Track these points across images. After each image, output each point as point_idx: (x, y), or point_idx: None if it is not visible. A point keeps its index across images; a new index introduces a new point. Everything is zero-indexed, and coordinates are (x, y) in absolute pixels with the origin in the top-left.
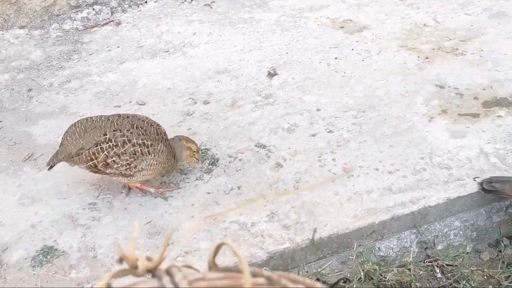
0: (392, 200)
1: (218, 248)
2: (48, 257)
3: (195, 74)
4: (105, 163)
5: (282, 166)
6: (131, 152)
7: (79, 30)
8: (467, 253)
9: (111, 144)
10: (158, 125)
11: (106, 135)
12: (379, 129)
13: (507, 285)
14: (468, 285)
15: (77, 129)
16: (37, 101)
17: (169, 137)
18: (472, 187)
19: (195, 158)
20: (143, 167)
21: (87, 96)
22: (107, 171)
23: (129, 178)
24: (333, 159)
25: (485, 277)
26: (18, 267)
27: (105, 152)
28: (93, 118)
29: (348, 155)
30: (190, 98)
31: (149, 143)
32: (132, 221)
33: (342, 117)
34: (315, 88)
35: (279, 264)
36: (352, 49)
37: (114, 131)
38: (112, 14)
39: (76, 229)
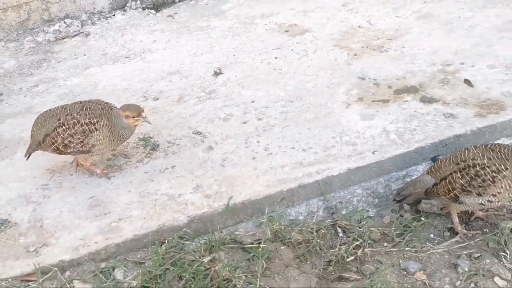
0: (301, 172)
1: None
2: (2, 227)
3: (150, 76)
4: (63, 144)
5: (213, 148)
6: (80, 131)
7: (51, 42)
8: (371, 217)
9: (64, 127)
10: (105, 103)
11: (60, 120)
12: (302, 116)
13: (399, 240)
14: (365, 242)
15: (40, 120)
16: (6, 103)
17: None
18: (370, 159)
19: (140, 120)
20: (93, 142)
21: (52, 97)
22: (68, 151)
23: (89, 154)
24: (258, 142)
25: (381, 235)
26: None
27: (61, 135)
28: (52, 108)
29: (270, 137)
30: (142, 96)
31: (94, 120)
32: (78, 197)
33: (272, 107)
34: (253, 84)
35: (200, 227)
36: (292, 50)
37: (66, 115)
38: (82, 27)
39: (29, 205)
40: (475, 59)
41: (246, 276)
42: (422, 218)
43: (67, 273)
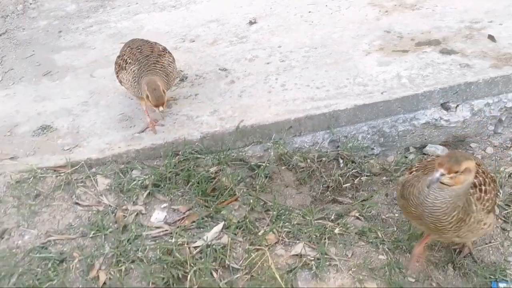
0: (310, 105)
1: None
2: (45, 131)
3: (191, 23)
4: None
5: (235, 82)
6: (117, 62)
7: None
8: (375, 155)
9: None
10: (156, 56)
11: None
12: (322, 60)
13: (397, 175)
14: (364, 172)
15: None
16: (64, 39)
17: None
18: (378, 98)
19: (149, 102)
20: (120, 78)
21: (102, 36)
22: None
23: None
24: (276, 79)
25: (380, 169)
26: (23, 136)
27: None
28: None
29: (289, 76)
30: (181, 38)
31: (129, 61)
32: (110, 112)
33: (296, 52)
34: (283, 32)
35: (211, 145)
36: (326, 5)
37: (128, 46)
38: None
39: (69, 116)
40: (504, 19)
41: (247, 189)
42: (423, 160)
43: (93, 169)
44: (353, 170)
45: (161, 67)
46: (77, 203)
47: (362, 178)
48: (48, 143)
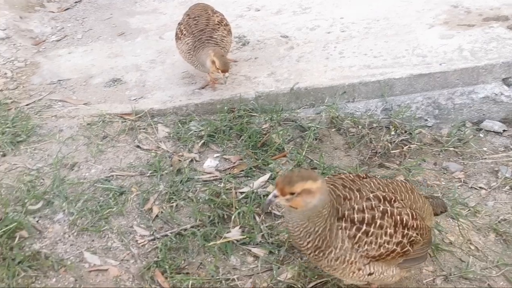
0: (366, 72)
1: None
2: (115, 83)
3: None
4: None
5: (294, 48)
6: (176, 31)
7: None
8: (428, 126)
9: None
10: (210, 30)
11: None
12: (383, 32)
13: (447, 147)
14: (414, 140)
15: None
16: (139, 5)
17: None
18: (435, 69)
19: (219, 75)
20: (177, 46)
21: (174, 3)
22: None
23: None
24: (335, 47)
25: (432, 140)
26: (96, 86)
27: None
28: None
29: (347, 45)
30: (246, 7)
31: (184, 32)
32: (175, 70)
33: (358, 23)
34: (346, 5)
35: (265, 104)
36: None
37: (187, 15)
38: None
39: (137, 72)
40: None
41: (296, 147)
42: (481, 134)
43: (155, 118)
44: (402, 137)
45: (214, 43)
46: (138, 146)
47: (411, 146)
48: (117, 93)
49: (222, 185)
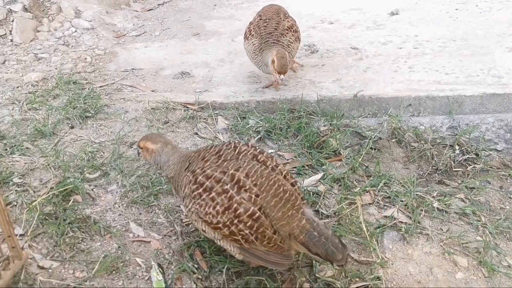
0: (435, 87)
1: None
2: (184, 76)
3: (333, 9)
4: None
5: (363, 59)
6: (245, 30)
7: None
8: (498, 150)
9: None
10: (278, 35)
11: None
12: (458, 51)
13: None
14: (480, 160)
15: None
16: (216, 11)
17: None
18: (511, 89)
19: (276, 75)
20: (244, 45)
21: (249, 12)
22: None
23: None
24: (405, 62)
25: (500, 163)
26: (165, 77)
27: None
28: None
29: (419, 61)
30: (320, 20)
31: (253, 33)
32: (241, 69)
33: (433, 41)
34: (423, 24)
35: (327, 108)
36: (477, 5)
37: (258, 15)
38: None
39: (206, 68)
40: None
41: (352, 153)
42: None
43: (216, 111)
44: (467, 156)
45: (281, 47)
46: (196, 134)
47: (476, 165)
48: (184, 85)
49: None
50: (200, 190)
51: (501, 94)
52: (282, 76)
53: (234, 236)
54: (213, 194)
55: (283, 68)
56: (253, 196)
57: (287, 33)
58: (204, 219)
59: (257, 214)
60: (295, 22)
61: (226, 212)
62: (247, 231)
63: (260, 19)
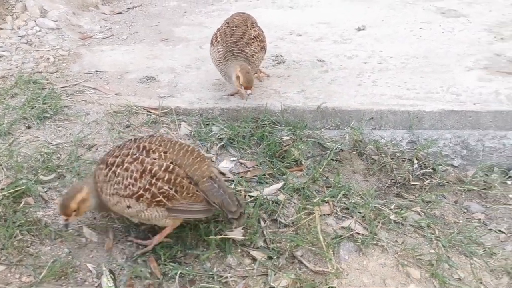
0: (396, 102)
1: None
2: (148, 81)
3: (302, 22)
4: None
5: (328, 72)
6: (212, 36)
7: None
8: (454, 166)
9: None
10: (243, 44)
11: None
12: (420, 68)
13: (471, 188)
14: (437, 175)
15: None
16: (186, 17)
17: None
18: (468, 107)
19: (242, 90)
20: (210, 52)
21: (220, 20)
22: None
23: None
24: (369, 76)
25: (456, 178)
26: (130, 81)
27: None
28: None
29: (382, 76)
30: (289, 32)
31: (219, 40)
32: (208, 76)
33: (397, 58)
34: (388, 41)
35: (290, 118)
36: (440, 25)
37: (226, 22)
38: None
39: (172, 73)
40: None
41: (314, 163)
42: (508, 181)
43: (180, 116)
44: (425, 170)
45: (245, 57)
46: None
47: (433, 180)
48: (149, 89)
49: (233, 186)
50: (113, 168)
51: (458, 111)
52: (249, 91)
53: (156, 198)
54: (126, 165)
55: (249, 83)
56: (162, 153)
57: (253, 42)
58: (125, 193)
59: (171, 166)
60: (262, 32)
61: (143, 175)
62: (166, 187)
63: (228, 27)
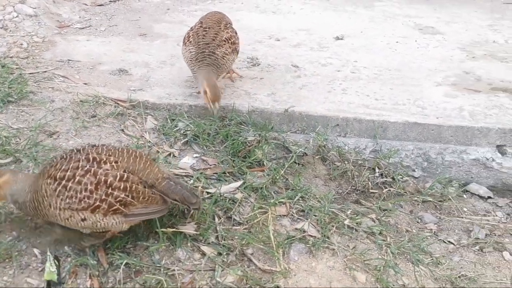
0: (363, 110)
1: None
2: (121, 73)
3: (283, 27)
4: None
5: (300, 77)
6: (184, 35)
7: None
8: (415, 177)
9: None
10: (215, 46)
11: None
12: (391, 80)
13: (427, 199)
14: (396, 185)
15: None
16: (168, 15)
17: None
18: (431, 121)
19: (209, 104)
20: (182, 51)
21: None
22: None
23: None
24: (340, 84)
25: (414, 189)
26: (102, 72)
27: None
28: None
29: (353, 85)
30: (268, 36)
31: (191, 39)
32: (181, 73)
33: (370, 68)
34: (364, 51)
35: (258, 120)
36: (416, 41)
37: (200, 22)
38: None
39: (145, 68)
40: None
41: (276, 165)
42: (464, 195)
43: (147, 110)
44: (385, 179)
45: (215, 59)
46: (122, 131)
47: (391, 189)
48: (119, 82)
49: (191, 182)
50: (64, 182)
51: (421, 123)
52: (217, 105)
53: (113, 207)
54: (78, 178)
55: (217, 97)
56: (113, 164)
57: (224, 44)
58: (80, 206)
59: (125, 175)
60: (235, 33)
61: (98, 186)
62: (123, 195)
63: (201, 27)
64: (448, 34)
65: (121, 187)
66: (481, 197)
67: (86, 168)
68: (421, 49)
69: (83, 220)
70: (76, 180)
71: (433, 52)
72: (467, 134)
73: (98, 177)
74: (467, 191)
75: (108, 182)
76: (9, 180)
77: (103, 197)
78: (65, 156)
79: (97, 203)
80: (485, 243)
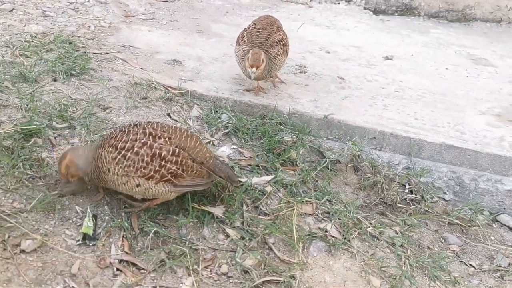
0: (401, 127)
1: None
2: (175, 64)
3: (334, 42)
4: None
5: (344, 88)
6: (238, 35)
7: (283, 1)
8: (445, 200)
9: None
10: (268, 46)
11: None
12: (434, 103)
13: (454, 222)
14: (425, 203)
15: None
16: (227, 17)
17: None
18: (468, 146)
19: (247, 68)
20: (234, 50)
21: None
22: None
23: None
24: (382, 100)
25: (443, 211)
26: (158, 60)
27: None
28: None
29: (395, 103)
30: (318, 47)
31: (245, 39)
32: (230, 70)
33: (414, 89)
34: (411, 73)
35: (297, 123)
36: (466, 70)
37: (253, 23)
38: (310, 1)
39: (198, 62)
40: None
41: (308, 167)
42: (494, 225)
43: (194, 99)
44: (414, 196)
45: (268, 57)
46: (169, 115)
47: (419, 206)
48: (172, 71)
49: None
50: (123, 152)
51: (458, 147)
52: (254, 69)
53: (165, 177)
54: (136, 149)
55: (255, 62)
56: (167, 139)
57: (276, 45)
58: (136, 175)
59: (177, 150)
60: (286, 36)
61: (153, 158)
62: (174, 167)
63: (254, 28)
64: (501, 67)
65: (173, 160)
66: (510, 228)
67: (143, 141)
68: (470, 78)
69: (138, 186)
70: (134, 151)
71: (482, 83)
72: (504, 164)
73: (153, 150)
74: (497, 221)
75: (162, 155)
76: (72, 158)
77: (157, 168)
78: (124, 129)
79: (151, 173)
80: (507, 271)
